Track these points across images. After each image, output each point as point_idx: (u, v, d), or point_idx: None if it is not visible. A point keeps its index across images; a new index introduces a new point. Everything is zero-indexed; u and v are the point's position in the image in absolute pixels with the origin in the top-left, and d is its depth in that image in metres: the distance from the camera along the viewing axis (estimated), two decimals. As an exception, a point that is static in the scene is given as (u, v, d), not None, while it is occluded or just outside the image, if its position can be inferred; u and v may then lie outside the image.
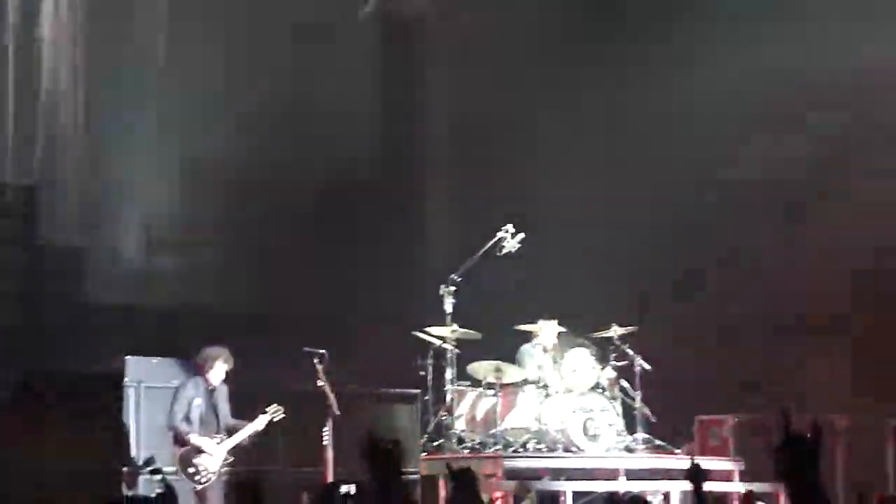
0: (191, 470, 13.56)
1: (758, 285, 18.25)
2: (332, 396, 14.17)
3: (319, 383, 14.21)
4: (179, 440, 13.70)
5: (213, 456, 13.59)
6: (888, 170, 17.52)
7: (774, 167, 18.11)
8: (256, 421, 13.76)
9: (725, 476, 15.63)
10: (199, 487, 13.52)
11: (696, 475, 6.13)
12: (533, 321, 16.22)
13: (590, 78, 18.40)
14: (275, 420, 13.78)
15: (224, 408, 13.87)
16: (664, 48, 18.27)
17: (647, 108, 18.15)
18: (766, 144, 18.20)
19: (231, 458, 13.72)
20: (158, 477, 13.30)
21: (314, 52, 18.77)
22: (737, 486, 15.39)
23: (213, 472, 13.58)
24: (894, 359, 17.46)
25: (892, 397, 17.06)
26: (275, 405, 13.81)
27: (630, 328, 16.23)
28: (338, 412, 14.16)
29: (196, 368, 13.96)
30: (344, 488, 6.41)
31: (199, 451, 13.58)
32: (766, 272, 18.26)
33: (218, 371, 13.85)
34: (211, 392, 13.82)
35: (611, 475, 15.24)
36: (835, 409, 16.57)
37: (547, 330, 16.22)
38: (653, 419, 16.03)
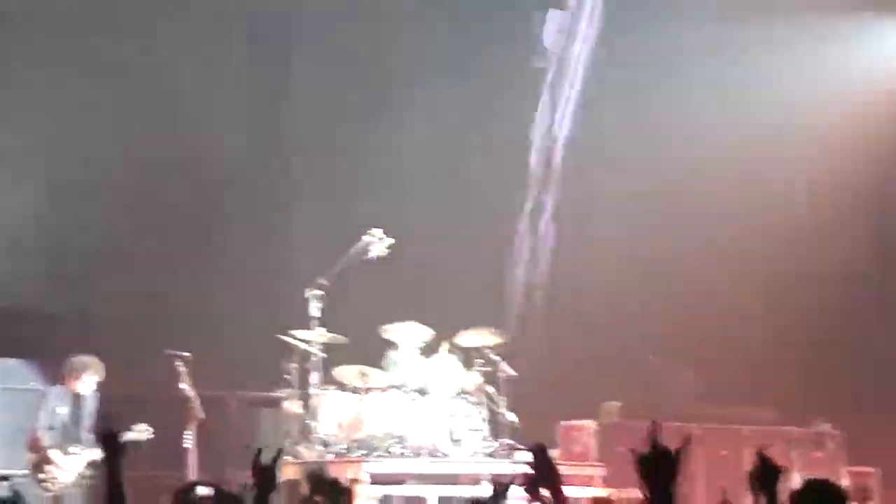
0: (41, 476, 13.37)
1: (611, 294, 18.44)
2: (195, 399, 14.04)
3: (182, 386, 14.07)
4: (34, 447, 13.50)
5: (66, 467, 13.39)
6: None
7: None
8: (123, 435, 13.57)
9: (587, 481, 15.76)
10: (49, 494, 13.34)
11: (539, 456, 6.08)
12: (399, 326, 16.22)
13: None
14: (141, 440, 13.59)
15: (89, 418, 13.68)
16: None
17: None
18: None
19: (92, 471, 13.52)
20: (6, 483, 13.09)
21: (177, 48, 18.54)
22: (598, 492, 15.53)
23: (67, 483, 13.39)
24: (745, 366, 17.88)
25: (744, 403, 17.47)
26: (143, 425, 13.64)
27: (496, 333, 16.28)
28: (201, 415, 14.03)
29: (62, 376, 13.76)
30: (201, 490, 6.36)
31: (50, 461, 13.39)
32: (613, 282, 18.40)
33: (86, 382, 13.67)
34: (77, 402, 13.62)
35: (475, 480, 15.30)
36: (691, 417, 16.90)
37: (413, 335, 16.22)
38: (517, 424, 16.11)
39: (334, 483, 7.97)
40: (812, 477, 6.24)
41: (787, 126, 18.58)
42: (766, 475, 6.37)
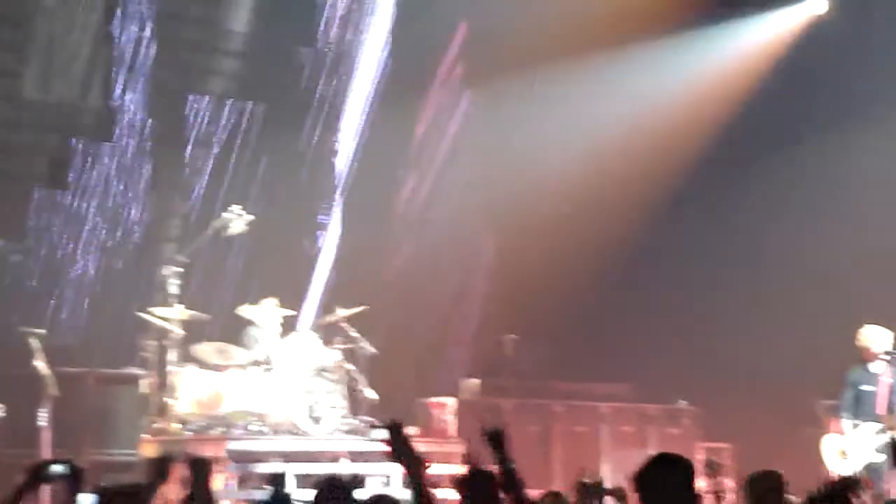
0: None
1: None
2: (49, 377, 13.83)
3: (36, 363, 13.86)
4: None
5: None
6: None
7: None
8: None
9: (446, 458, 15.82)
10: None
11: (394, 433, 6.12)
12: (259, 303, 16.14)
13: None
14: None
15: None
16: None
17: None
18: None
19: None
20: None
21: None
22: (458, 469, 15.57)
23: None
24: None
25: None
26: None
27: (356, 309, 16.24)
28: (56, 393, 13.83)
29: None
30: (55, 468, 6.27)
31: None
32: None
33: None
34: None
35: (334, 458, 15.30)
36: (550, 394, 17.14)
37: (273, 312, 16.14)
38: (377, 402, 16.12)
39: (197, 460, 7.91)
40: (660, 451, 6.33)
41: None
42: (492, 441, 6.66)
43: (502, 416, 16.50)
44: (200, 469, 7.90)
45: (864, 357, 14.52)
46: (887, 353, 14.40)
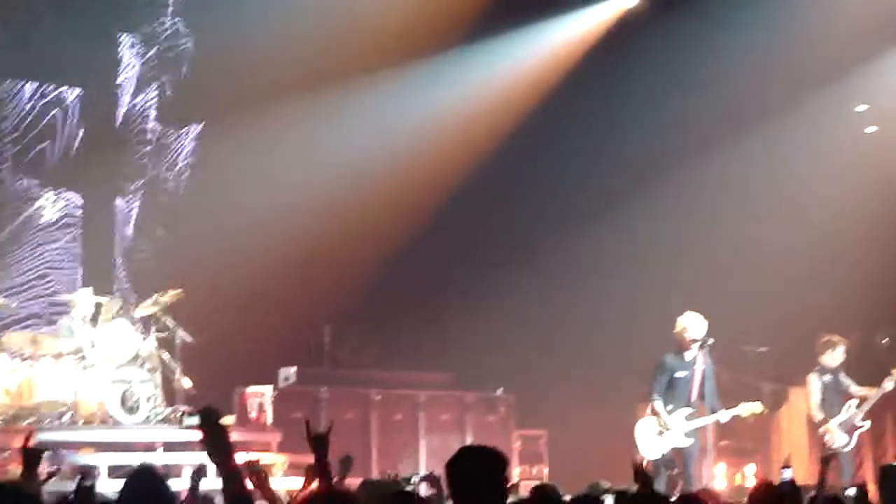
0: None
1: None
2: None
3: None
4: None
5: None
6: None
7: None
8: None
9: (263, 447, 15.75)
10: None
11: (207, 421, 6.03)
12: (73, 292, 15.86)
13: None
14: None
15: None
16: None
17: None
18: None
19: None
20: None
21: None
22: (276, 457, 15.52)
23: None
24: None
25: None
26: None
27: (172, 293, 16.01)
28: None
29: None
30: None
31: None
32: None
33: None
34: None
35: (148, 447, 15.10)
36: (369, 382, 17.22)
37: (87, 300, 15.86)
38: (193, 391, 15.96)
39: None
40: (472, 443, 6.43)
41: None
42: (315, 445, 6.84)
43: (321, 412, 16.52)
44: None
45: (679, 344, 14.78)
46: (702, 340, 14.67)
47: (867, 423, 15.50)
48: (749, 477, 17.80)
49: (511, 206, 19.93)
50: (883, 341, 19.24)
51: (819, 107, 19.03)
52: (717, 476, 17.07)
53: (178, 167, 18.99)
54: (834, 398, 15.56)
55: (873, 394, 15.53)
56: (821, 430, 15.54)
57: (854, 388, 15.59)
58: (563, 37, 19.74)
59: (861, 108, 19.96)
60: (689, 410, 14.68)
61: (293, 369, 17.18)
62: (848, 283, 18.74)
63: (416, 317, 18.70)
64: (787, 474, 10.03)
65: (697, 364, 14.74)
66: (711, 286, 17.71)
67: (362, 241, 18.53)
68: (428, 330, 18.66)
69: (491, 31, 19.21)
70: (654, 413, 14.74)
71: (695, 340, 14.68)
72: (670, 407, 14.68)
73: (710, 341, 14.68)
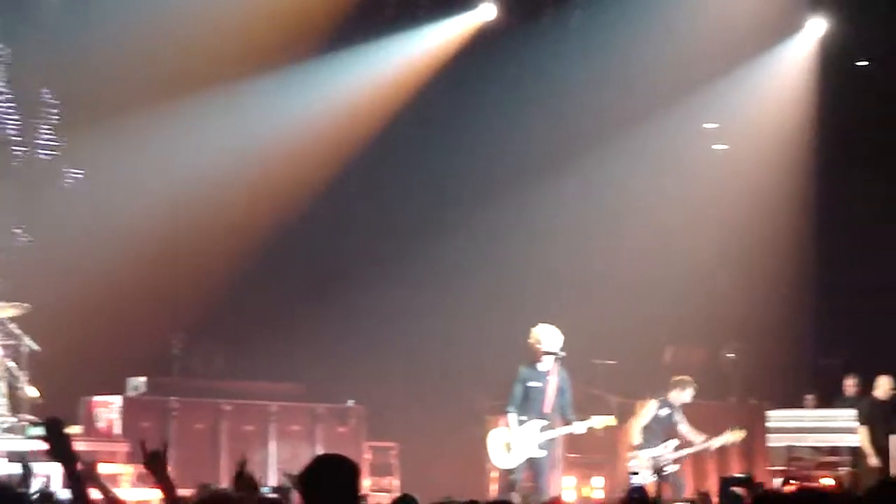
0: None
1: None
2: None
3: None
4: None
5: None
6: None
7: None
8: None
9: (110, 457, 15.52)
10: None
11: (52, 431, 5.93)
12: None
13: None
14: None
15: None
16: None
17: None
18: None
19: None
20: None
21: None
22: (123, 468, 15.30)
23: None
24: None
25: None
26: None
27: (15, 307, 15.73)
28: None
29: None
30: None
31: None
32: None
33: None
34: None
35: (-8, 457, 14.80)
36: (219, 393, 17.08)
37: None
38: (39, 400, 15.67)
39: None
40: (327, 452, 6.37)
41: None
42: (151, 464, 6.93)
43: (171, 422, 16.32)
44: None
45: (534, 355, 14.89)
46: (556, 352, 14.79)
47: (676, 468, 15.72)
48: (597, 489, 18.00)
49: (364, 218, 19.97)
50: (728, 355, 19.65)
51: (670, 123, 19.36)
52: (566, 487, 17.25)
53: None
54: (658, 430, 15.81)
55: (698, 442, 15.79)
56: (630, 453, 15.81)
57: (683, 429, 15.83)
58: (418, 50, 19.81)
59: (710, 125, 20.36)
60: (543, 422, 14.79)
61: (143, 379, 16.97)
62: (696, 298, 19.08)
63: (268, 327, 18.63)
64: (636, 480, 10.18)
65: (552, 375, 14.85)
66: (564, 300, 17.90)
67: (215, 251, 18.40)
68: (279, 341, 18.57)
69: (352, 41, 19.22)
70: (507, 424, 14.84)
71: (548, 352, 14.80)
72: (524, 417, 14.78)
73: (562, 354, 14.82)
